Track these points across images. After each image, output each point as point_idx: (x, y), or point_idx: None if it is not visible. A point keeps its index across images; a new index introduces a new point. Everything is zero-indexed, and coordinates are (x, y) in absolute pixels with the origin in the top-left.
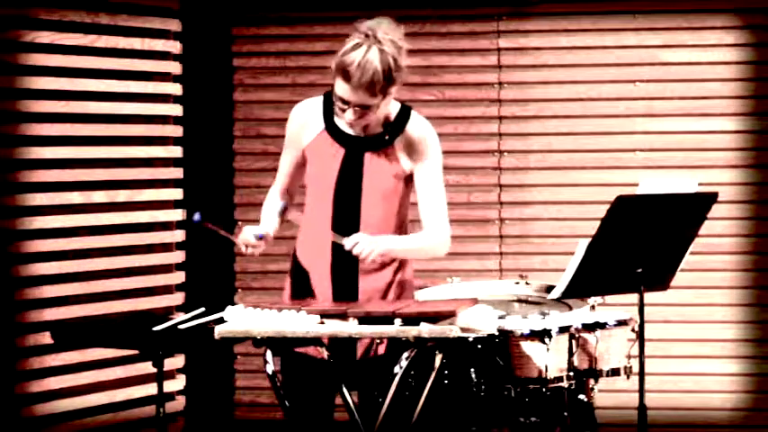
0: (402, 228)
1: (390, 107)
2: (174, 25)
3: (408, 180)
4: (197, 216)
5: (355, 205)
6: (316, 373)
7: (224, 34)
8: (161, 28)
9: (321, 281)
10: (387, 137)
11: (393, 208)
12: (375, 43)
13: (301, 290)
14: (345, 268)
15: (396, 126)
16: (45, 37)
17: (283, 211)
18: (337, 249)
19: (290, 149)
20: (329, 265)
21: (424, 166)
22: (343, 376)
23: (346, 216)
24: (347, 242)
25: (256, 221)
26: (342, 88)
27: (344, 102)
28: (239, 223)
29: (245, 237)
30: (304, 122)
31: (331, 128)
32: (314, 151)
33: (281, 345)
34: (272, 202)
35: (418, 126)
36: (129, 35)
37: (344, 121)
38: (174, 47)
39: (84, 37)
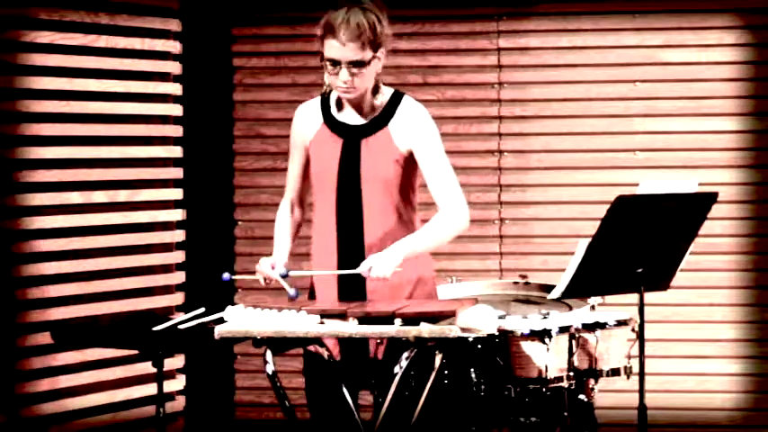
0: (409, 213)
1: (383, 94)
2: (174, 25)
3: (409, 163)
4: (226, 276)
5: (356, 194)
6: (337, 375)
7: (224, 34)
8: (161, 28)
9: (327, 281)
10: (380, 120)
11: (395, 192)
12: (355, 4)
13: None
14: (353, 263)
15: (388, 109)
16: (45, 37)
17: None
18: (344, 248)
19: (295, 152)
20: (336, 260)
21: (423, 144)
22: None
23: (349, 206)
24: (361, 269)
25: (256, 221)
26: (330, 47)
27: (335, 63)
28: (240, 223)
29: (262, 269)
30: (305, 121)
31: (329, 120)
32: (316, 146)
33: (282, 345)
34: (284, 219)
35: (410, 107)
36: (129, 35)
37: (338, 88)
38: (174, 47)
39: (83, 37)
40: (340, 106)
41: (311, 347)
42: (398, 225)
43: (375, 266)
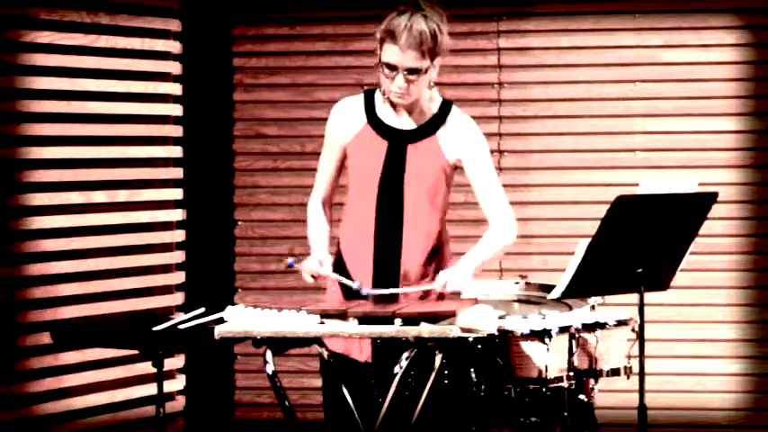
0: (443, 221)
1: (433, 101)
2: (174, 25)
3: (452, 173)
4: (291, 261)
5: (398, 198)
6: (358, 377)
7: (224, 34)
8: (161, 28)
9: (363, 265)
10: (429, 127)
11: (437, 200)
12: (417, 10)
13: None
14: (388, 264)
15: (438, 117)
16: (45, 37)
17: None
18: (380, 250)
19: (331, 149)
20: (371, 260)
21: (473, 156)
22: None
23: (390, 209)
24: (436, 285)
25: (256, 221)
26: (390, 51)
27: (392, 68)
28: (240, 223)
29: (312, 267)
30: (345, 119)
31: (374, 121)
32: (357, 146)
33: (282, 345)
34: (318, 218)
35: (460, 117)
36: (128, 35)
37: (392, 93)
38: (174, 47)
39: (83, 37)
40: (386, 108)
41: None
42: (435, 231)
43: (450, 281)
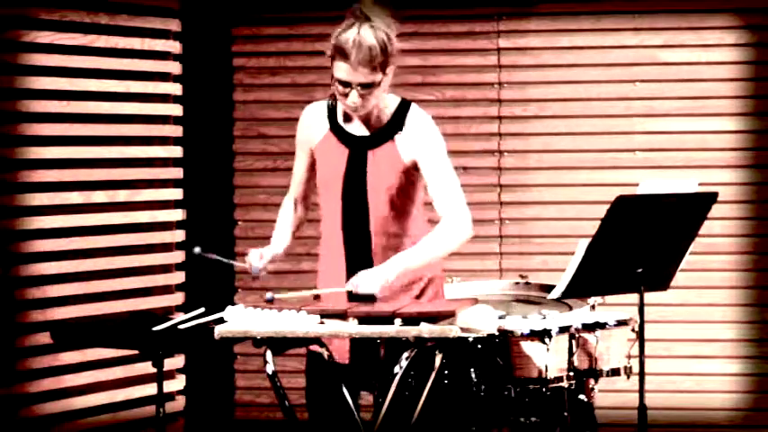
0: (416, 220)
1: (390, 103)
2: (174, 25)
3: (413, 173)
4: (197, 249)
5: (362, 204)
6: (340, 377)
7: (224, 34)
8: (161, 28)
9: (336, 280)
10: (387, 132)
11: (401, 202)
12: (364, 21)
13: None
14: (361, 270)
15: (394, 120)
16: (45, 37)
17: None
18: (351, 255)
19: (300, 152)
20: (344, 267)
21: (426, 155)
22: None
23: (355, 215)
24: (348, 287)
25: (256, 221)
26: (341, 69)
27: (346, 84)
28: (240, 223)
29: (250, 259)
30: (311, 123)
31: (335, 128)
32: (321, 152)
33: (282, 345)
34: (286, 214)
35: (416, 119)
36: (128, 35)
37: (347, 107)
38: (174, 47)
39: (83, 37)
40: (347, 116)
41: (313, 347)
42: (406, 233)
43: (362, 283)
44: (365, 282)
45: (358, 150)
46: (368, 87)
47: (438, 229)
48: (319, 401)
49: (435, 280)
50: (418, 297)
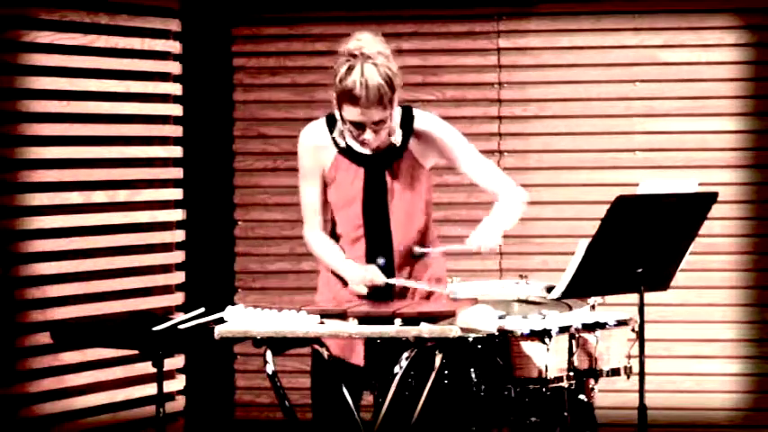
0: (429, 222)
1: (395, 117)
2: (174, 25)
3: (430, 177)
4: (419, 250)
5: (384, 218)
6: (348, 377)
7: (224, 34)
8: (161, 28)
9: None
10: (399, 144)
11: (424, 209)
12: (365, 60)
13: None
14: (383, 291)
15: (404, 130)
16: (45, 37)
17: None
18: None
19: (311, 179)
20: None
21: (452, 146)
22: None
23: (377, 230)
24: (469, 246)
25: (256, 221)
26: (352, 113)
27: (359, 125)
28: (240, 223)
29: (373, 279)
30: (317, 145)
31: (344, 150)
32: (333, 175)
33: (282, 345)
34: (325, 242)
35: (422, 120)
36: (128, 35)
37: (364, 145)
38: (174, 47)
39: (83, 37)
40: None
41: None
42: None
43: (483, 243)
44: (485, 241)
45: (374, 169)
46: (380, 123)
47: (505, 201)
48: (325, 400)
49: (442, 280)
50: (427, 298)
